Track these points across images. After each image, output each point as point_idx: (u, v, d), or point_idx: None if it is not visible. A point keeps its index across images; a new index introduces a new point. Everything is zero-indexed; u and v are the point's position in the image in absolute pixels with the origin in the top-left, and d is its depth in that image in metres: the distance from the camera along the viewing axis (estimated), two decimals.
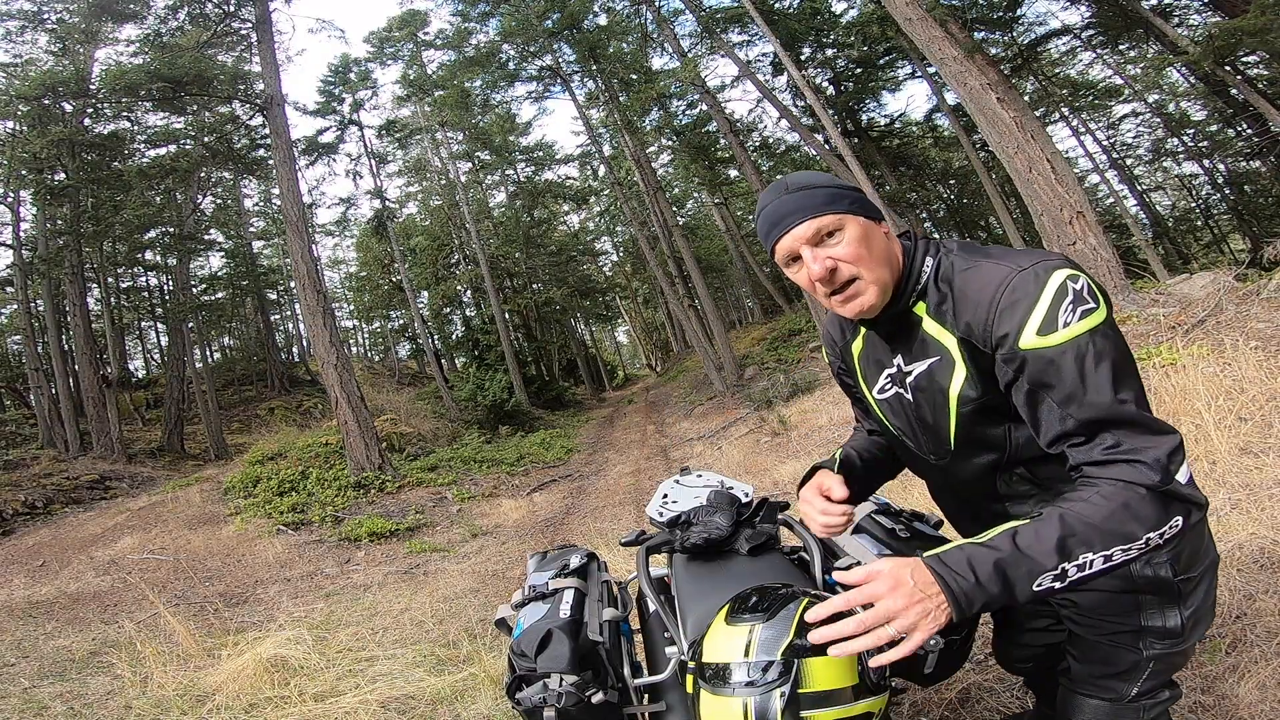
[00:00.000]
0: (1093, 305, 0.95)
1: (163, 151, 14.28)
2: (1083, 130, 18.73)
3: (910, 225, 1.15)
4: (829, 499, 1.30)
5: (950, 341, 1.08)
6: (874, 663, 0.91)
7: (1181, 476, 0.91)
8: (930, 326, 1.12)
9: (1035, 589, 0.90)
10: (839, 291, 1.10)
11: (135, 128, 14.43)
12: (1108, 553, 0.89)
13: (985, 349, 1.02)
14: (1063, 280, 0.95)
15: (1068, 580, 0.90)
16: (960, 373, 1.08)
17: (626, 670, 1.34)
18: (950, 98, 15.02)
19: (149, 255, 20.81)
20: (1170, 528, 0.91)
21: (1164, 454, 0.90)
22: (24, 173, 14.32)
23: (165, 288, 22.72)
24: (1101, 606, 1.18)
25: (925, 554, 0.94)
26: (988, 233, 23.12)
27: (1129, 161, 20.16)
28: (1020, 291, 0.96)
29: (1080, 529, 0.89)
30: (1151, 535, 0.90)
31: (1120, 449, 0.92)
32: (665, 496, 1.73)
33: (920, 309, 1.13)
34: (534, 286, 29.06)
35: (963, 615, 0.90)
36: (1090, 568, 0.90)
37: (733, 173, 22.81)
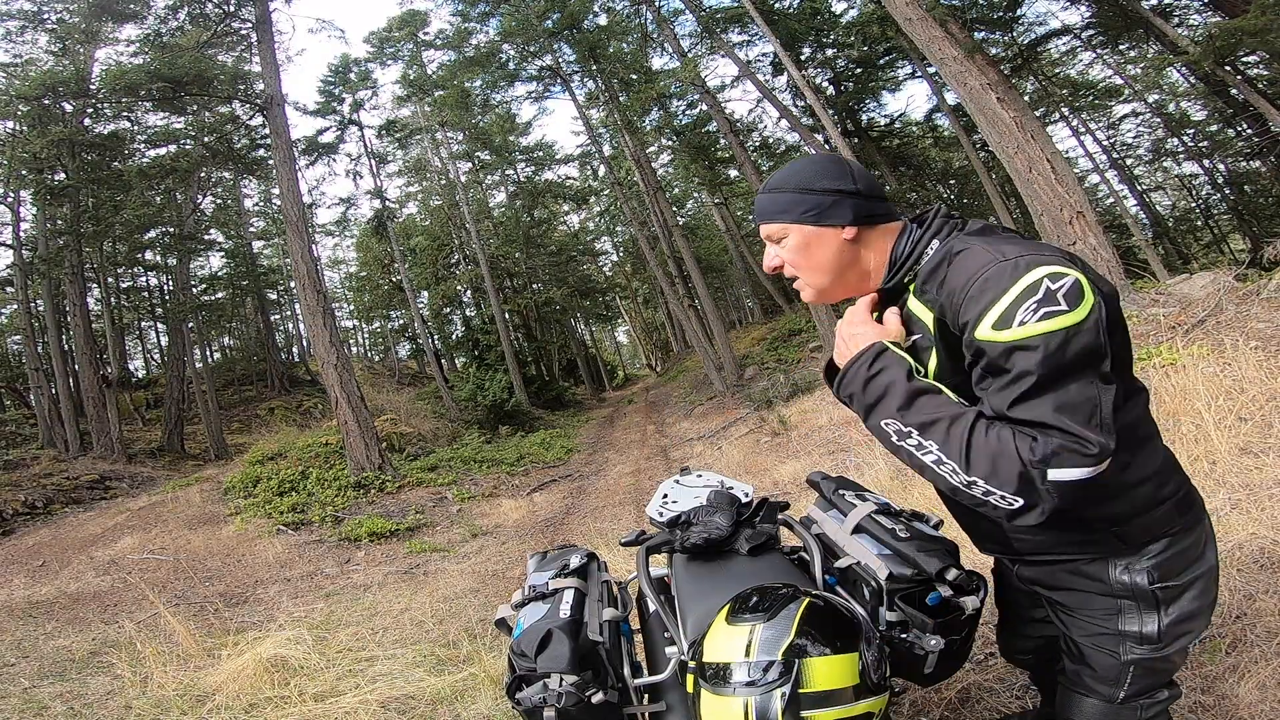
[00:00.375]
0: (1061, 309, 0.91)
1: (163, 151, 14.28)
2: (1083, 130, 18.72)
3: (937, 203, 1.21)
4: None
5: (929, 319, 1.10)
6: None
7: (1055, 475, 0.91)
8: (914, 304, 1.13)
9: (882, 423, 1.04)
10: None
11: (135, 128, 14.43)
12: (942, 459, 0.97)
13: (955, 329, 1.03)
14: (1039, 278, 0.92)
15: (899, 439, 1.01)
16: (935, 349, 1.10)
17: (626, 670, 1.34)
18: (950, 98, 15.02)
19: (149, 255, 20.81)
20: (1001, 498, 0.93)
21: (1052, 448, 0.90)
22: (24, 173, 14.32)
23: (165, 288, 22.72)
24: (1084, 606, 1.19)
25: (891, 342, 1.09)
26: None
27: (1129, 161, 20.14)
28: (992, 282, 0.95)
29: (957, 428, 0.96)
30: (981, 484, 0.94)
31: (1029, 431, 0.93)
32: (665, 496, 1.73)
33: (912, 286, 1.14)
34: (534, 286, 29.04)
35: (830, 383, 1.18)
36: (922, 452, 0.99)
37: (733, 173, 22.78)
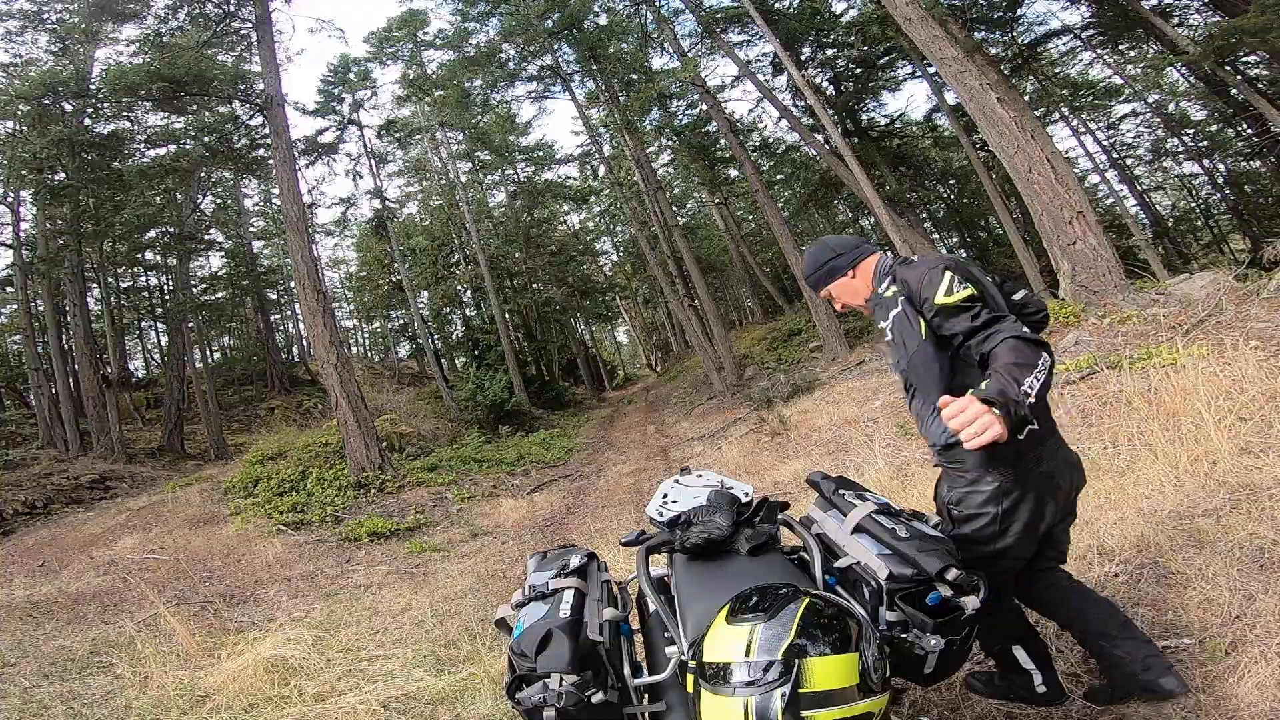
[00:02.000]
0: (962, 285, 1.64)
1: (163, 151, 14.27)
2: (1083, 130, 18.70)
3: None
4: None
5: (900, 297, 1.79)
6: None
7: (999, 336, 1.49)
8: (885, 291, 1.79)
9: (1026, 405, 1.37)
10: None
11: (135, 128, 14.41)
12: (1032, 378, 1.37)
13: (918, 301, 1.70)
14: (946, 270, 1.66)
15: (1033, 394, 1.35)
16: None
17: (626, 670, 1.34)
18: (950, 98, 15.01)
19: (149, 255, 20.81)
20: (1042, 359, 1.42)
21: (1014, 325, 1.52)
22: (24, 173, 14.28)
23: (165, 288, 22.71)
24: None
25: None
26: (988, 233, 23.09)
27: (1129, 161, 20.12)
28: (929, 277, 1.67)
29: (1012, 370, 1.38)
30: (1041, 358, 1.42)
31: (996, 336, 1.51)
32: (665, 496, 1.73)
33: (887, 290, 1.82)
34: (534, 286, 29.02)
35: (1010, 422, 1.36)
36: (1034, 387, 1.36)
37: (733, 173, 22.78)
